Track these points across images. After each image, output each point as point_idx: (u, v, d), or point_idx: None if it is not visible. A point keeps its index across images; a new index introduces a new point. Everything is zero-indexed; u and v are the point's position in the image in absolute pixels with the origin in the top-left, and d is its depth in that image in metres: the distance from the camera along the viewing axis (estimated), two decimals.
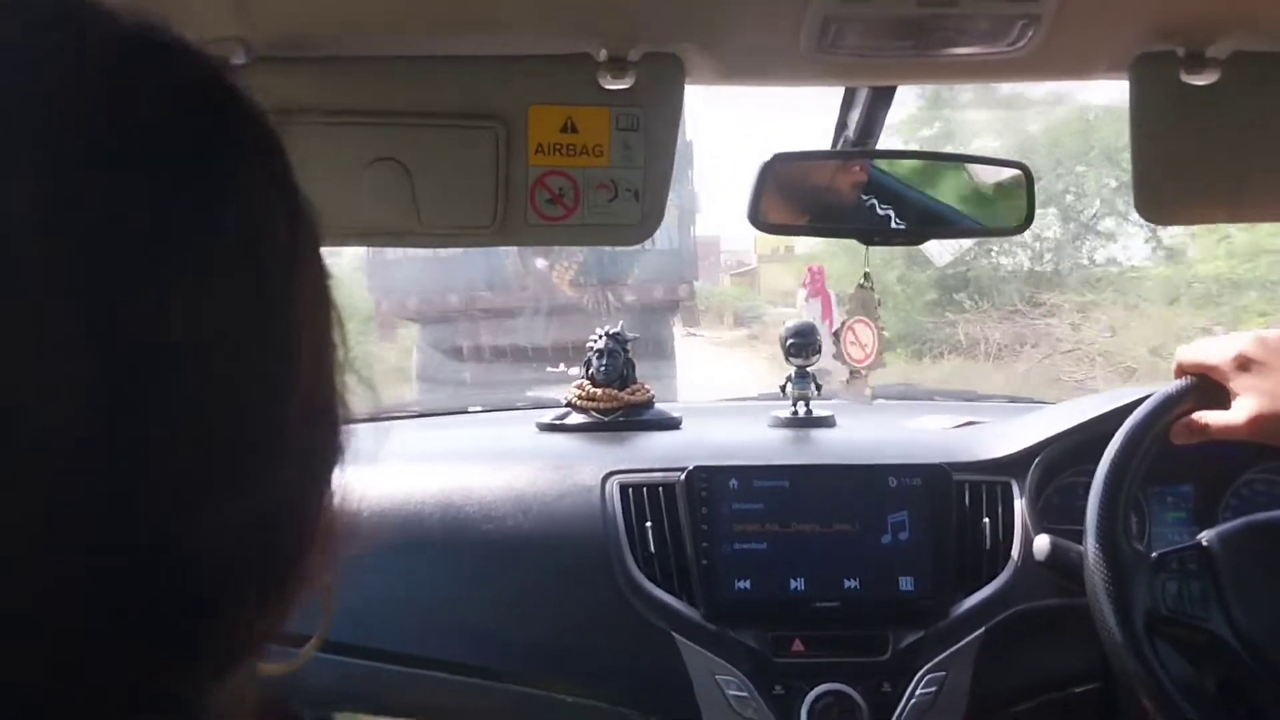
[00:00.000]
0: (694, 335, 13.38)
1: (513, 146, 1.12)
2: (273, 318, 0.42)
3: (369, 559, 1.50)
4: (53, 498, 0.36)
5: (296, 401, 0.43)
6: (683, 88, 1.15)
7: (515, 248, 10.69)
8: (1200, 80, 1.16)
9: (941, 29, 1.07)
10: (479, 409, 2.17)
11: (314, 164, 1.11)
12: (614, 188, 1.16)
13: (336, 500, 0.49)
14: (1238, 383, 1.18)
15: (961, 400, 2.30)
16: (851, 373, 1.86)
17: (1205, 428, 1.22)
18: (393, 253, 10.52)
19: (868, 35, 1.08)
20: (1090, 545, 1.24)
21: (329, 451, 0.48)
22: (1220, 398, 1.22)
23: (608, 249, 10.92)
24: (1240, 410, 1.18)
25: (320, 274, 0.47)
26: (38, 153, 0.37)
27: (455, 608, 1.48)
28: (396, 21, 1.06)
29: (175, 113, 0.42)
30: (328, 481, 0.48)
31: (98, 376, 0.36)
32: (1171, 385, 1.28)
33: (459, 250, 10.58)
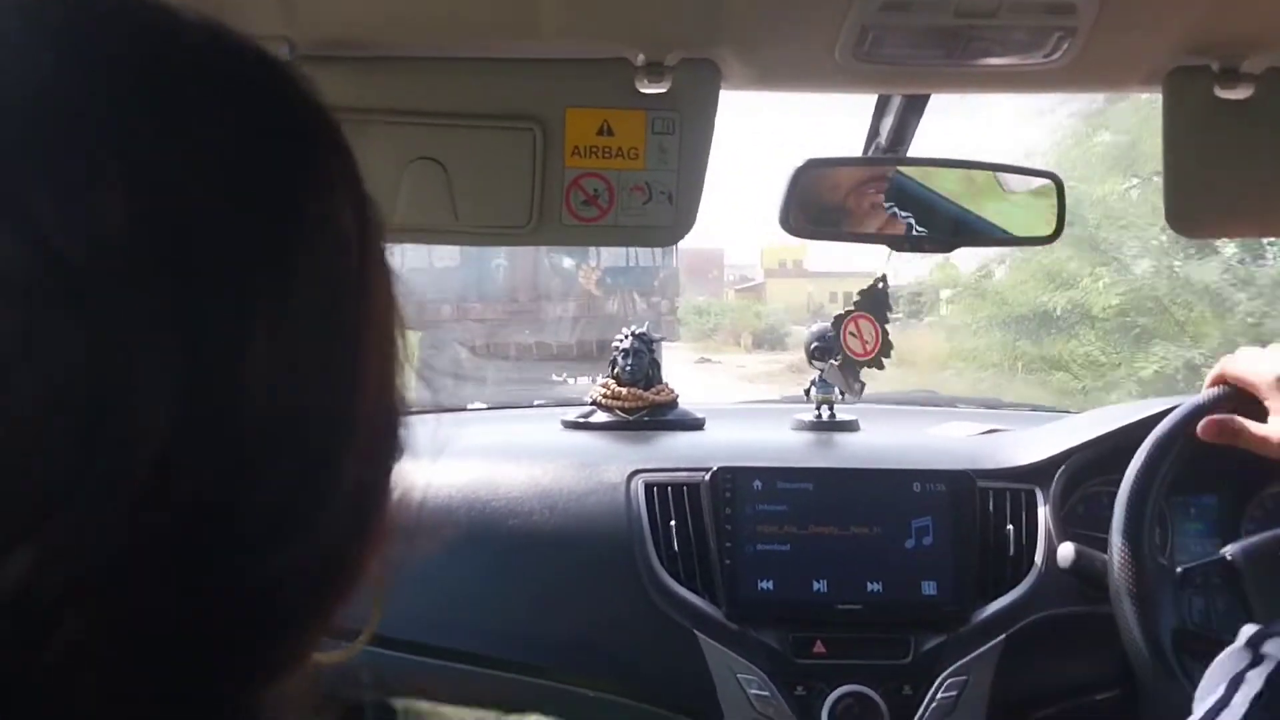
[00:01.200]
0: (709, 361, 13.13)
1: (549, 148, 1.14)
2: (345, 318, 0.42)
3: (394, 551, 1.52)
4: (136, 518, 0.35)
5: (368, 406, 0.43)
6: (718, 93, 1.16)
7: (513, 257, 11.00)
8: (1234, 95, 1.16)
9: (978, 39, 1.08)
10: (506, 406, 2.19)
11: (358, 162, 1.13)
12: (648, 190, 1.17)
13: (395, 499, 0.48)
14: (1276, 401, 1.17)
15: (985, 408, 2.31)
16: (845, 361, 1.86)
17: (1237, 432, 1.20)
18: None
19: (904, 44, 1.09)
20: (1115, 552, 1.25)
21: (392, 451, 0.47)
22: (1255, 411, 1.22)
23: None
24: (1275, 427, 1.16)
25: (386, 270, 0.47)
26: (121, 164, 0.37)
27: (481, 602, 1.50)
28: (437, 23, 1.08)
29: (251, 118, 0.42)
30: (389, 481, 0.48)
31: (186, 390, 0.36)
32: (1205, 393, 1.28)
33: (456, 262, 10.92)
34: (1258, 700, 0.94)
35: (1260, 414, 1.20)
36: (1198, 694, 1.01)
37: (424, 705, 0.55)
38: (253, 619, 0.40)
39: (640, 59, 1.12)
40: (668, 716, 1.45)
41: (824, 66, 1.13)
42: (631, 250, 11.20)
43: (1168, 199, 1.22)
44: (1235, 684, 0.97)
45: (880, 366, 1.87)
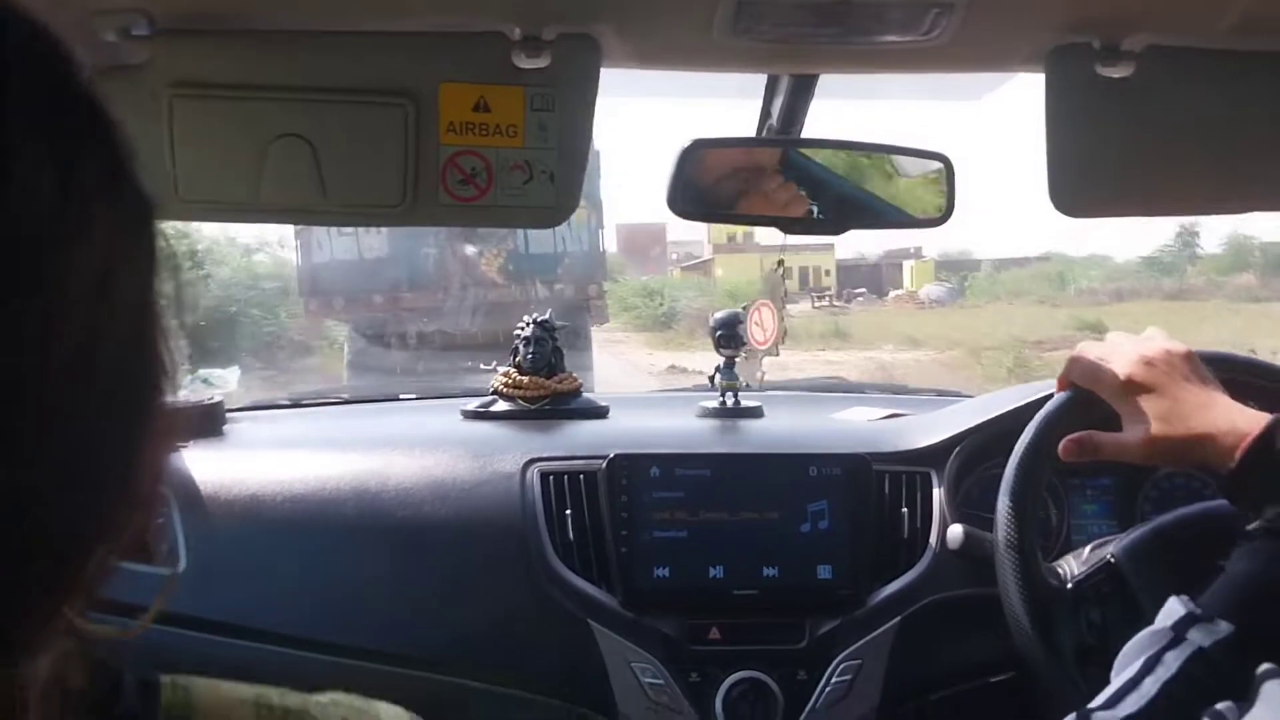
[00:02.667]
0: (681, 371, 12.84)
1: (423, 125, 1.10)
2: (39, 285, 0.41)
3: (281, 543, 1.48)
4: None
5: (85, 367, 0.43)
6: (599, 69, 1.14)
7: (443, 245, 11.04)
8: (1115, 73, 1.17)
9: (856, 16, 1.07)
10: (407, 396, 2.15)
11: (217, 138, 1.09)
12: (529, 169, 1.15)
13: (152, 475, 0.48)
14: (1127, 406, 1.14)
15: (890, 393, 2.32)
16: (747, 353, 1.86)
17: (1097, 447, 1.17)
18: (319, 254, 10.90)
19: (783, 21, 1.08)
20: (1007, 571, 1.26)
21: (136, 421, 0.47)
22: (1108, 413, 1.18)
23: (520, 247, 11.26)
24: (1132, 434, 1.13)
25: (140, 248, 0.47)
26: None
27: (369, 594, 1.46)
28: None
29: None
30: (136, 452, 0.47)
31: None
32: (1052, 403, 1.28)
33: (385, 251, 10.93)
34: (1168, 685, 0.94)
35: (1114, 417, 1.17)
36: (1115, 665, 1.01)
37: (199, 681, 0.53)
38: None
39: (517, 33, 1.09)
40: (562, 708, 1.43)
41: (703, 44, 1.11)
42: (557, 234, 11.28)
43: (1050, 178, 1.22)
44: (1150, 665, 0.96)
45: (776, 354, 1.86)
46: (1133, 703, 0.94)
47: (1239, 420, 1.07)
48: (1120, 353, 1.17)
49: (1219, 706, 0.86)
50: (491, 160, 1.13)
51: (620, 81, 1.23)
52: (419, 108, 1.10)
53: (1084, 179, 1.23)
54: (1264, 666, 0.86)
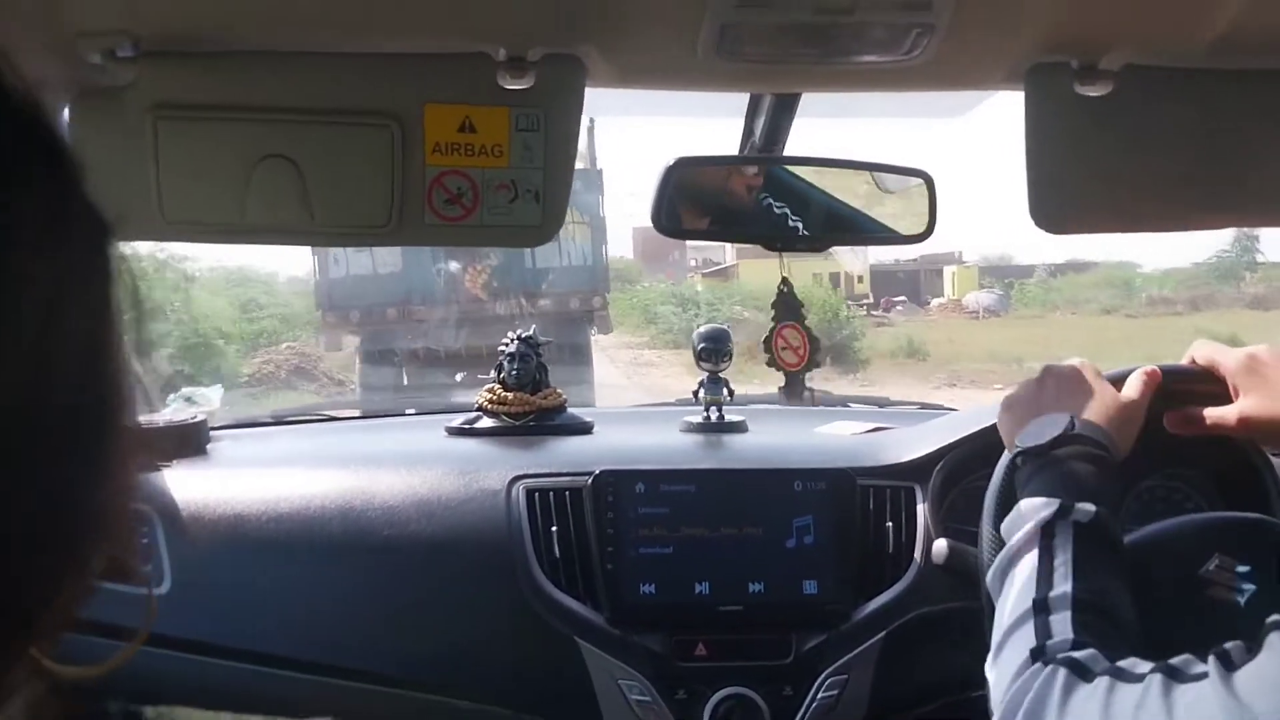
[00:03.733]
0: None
1: (409, 145, 1.11)
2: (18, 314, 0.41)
3: (266, 563, 1.47)
4: None
5: (61, 391, 0.42)
6: (583, 89, 1.14)
7: (454, 261, 11.27)
8: (1094, 91, 1.18)
9: (838, 37, 1.08)
10: (391, 413, 2.15)
11: (202, 159, 1.09)
12: (514, 188, 1.15)
13: (121, 500, 0.47)
14: (1246, 380, 1.19)
15: (875, 406, 2.33)
16: (788, 378, 1.86)
17: (1200, 419, 1.23)
18: (335, 269, 11.20)
19: (766, 42, 1.09)
20: (984, 544, 1.26)
21: (96, 449, 0.46)
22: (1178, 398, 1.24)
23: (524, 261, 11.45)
24: (1240, 406, 1.19)
25: (92, 274, 0.46)
26: None
27: (355, 613, 1.46)
28: (290, 17, 1.04)
29: None
30: (100, 480, 0.46)
31: None
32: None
33: (399, 267, 11.16)
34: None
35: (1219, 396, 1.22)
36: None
37: (182, 711, 0.53)
38: None
39: (502, 54, 1.10)
40: None
41: (687, 64, 1.12)
42: (561, 248, 11.51)
43: (1031, 196, 1.23)
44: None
45: (817, 365, 1.87)
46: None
47: None
48: (1246, 346, 1.24)
49: (1227, 646, 0.87)
50: (477, 180, 1.14)
51: (606, 101, 1.24)
52: (404, 128, 1.10)
53: (1064, 196, 1.24)
54: (1273, 616, 0.87)
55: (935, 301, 31.40)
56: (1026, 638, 0.96)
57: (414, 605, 1.46)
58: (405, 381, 11.31)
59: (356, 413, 2.15)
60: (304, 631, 1.45)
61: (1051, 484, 1.08)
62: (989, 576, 1.08)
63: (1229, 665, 0.84)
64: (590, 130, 11.88)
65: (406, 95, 1.11)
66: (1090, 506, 1.04)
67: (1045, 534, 1.03)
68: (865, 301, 28.92)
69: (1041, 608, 0.97)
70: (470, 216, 1.15)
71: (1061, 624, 0.95)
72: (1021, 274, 33.31)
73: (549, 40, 1.10)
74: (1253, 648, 0.85)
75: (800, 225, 1.41)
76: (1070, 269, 32.29)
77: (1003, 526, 1.09)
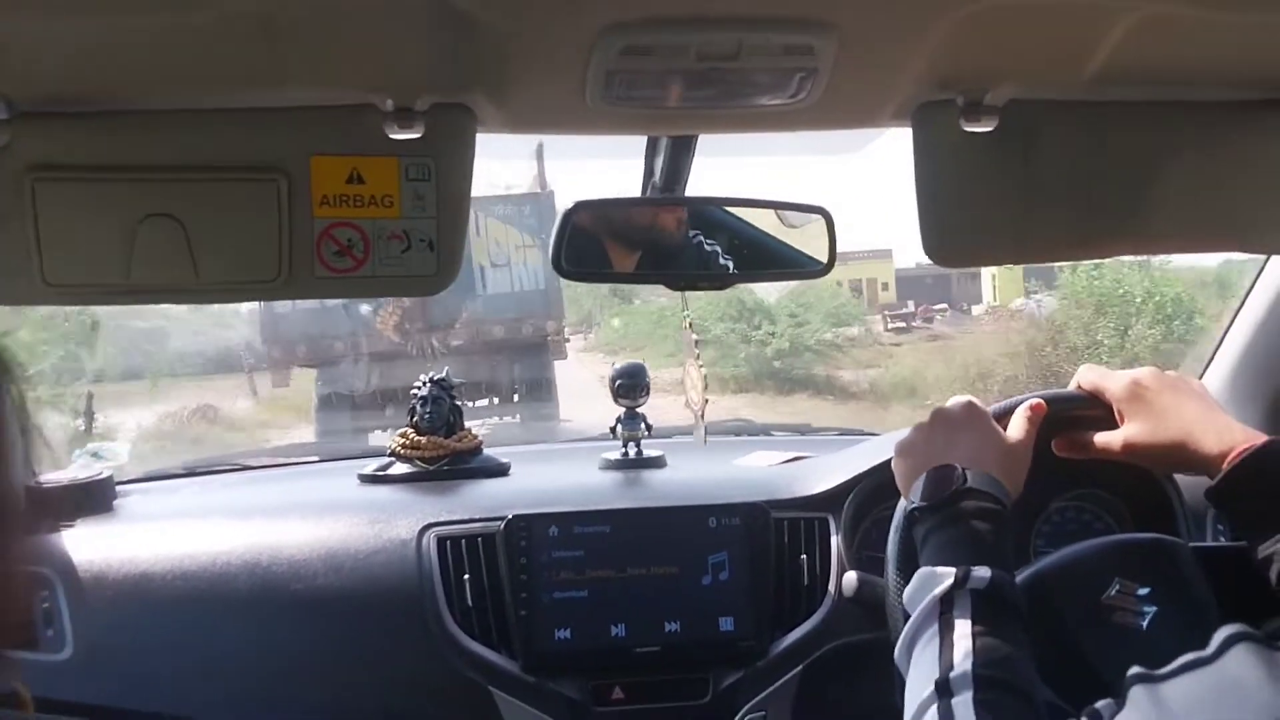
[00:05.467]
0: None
1: (296, 198, 1.09)
2: None
3: (172, 622, 1.44)
4: None
5: None
6: (474, 137, 1.14)
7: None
8: (979, 128, 1.20)
9: (723, 81, 1.08)
10: (305, 460, 2.12)
11: (83, 221, 1.07)
12: (407, 238, 1.14)
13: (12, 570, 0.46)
14: (1130, 405, 1.21)
15: (795, 434, 2.34)
16: (696, 415, 1.87)
17: (1085, 445, 1.25)
18: (281, 304, 10.99)
19: (653, 86, 1.09)
20: (890, 584, 1.27)
21: None
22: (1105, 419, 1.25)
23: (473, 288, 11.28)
24: (1125, 432, 1.21)
25: None
26: None
27: (264, 671, 1.43)
28: (169, 74, 1.02)
29: None
30: None
31: None
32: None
33: (341, 301, 10.93)
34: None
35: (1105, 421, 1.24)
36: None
37: None
38: None
39: (389, 104, 1.08)
40: None
41: (576, 110, 1.12)
42: (514, 273, 11.28)
43: (923, 231, 1.24)
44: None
45: (707, 400, 1.88)
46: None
47: (1237, 435, 1.13)
48: (1130, 370, 1.25)
49: (1098, 705, 0.88)
50: (368, 231, 1.12)
51: (498, 145, 1.23)
52: (291, 182, 1.09)
53: (955, 230, 1.26)
54: (1134, 670, 0.88)
55: (975, 309, 28.09)
56: None
57: (324, 660, 1.43)
58: (363, 419, 10.94)
59: (269, 461, 2.11)
60: (212, 692, 1.42)
61: (948, 548, 1.09)
62: (896, 652, 1.09)
63: None
64: (539, 154, 11.74)
65: (292, 148, 1.09)
66: (986, 572, 1.04)
67: (944, 606, 1.04)
68: (903, 311, 25.85)
69: (944, 690, 0.97)
70: (362, 268, 1.13)
71: (964, 708, 0.95)
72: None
73: (437, 90, 1.09)
74: (1122, 704, 0.86)
75: (728, 258, 1.42)
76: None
77: (905, 596, 1.10)
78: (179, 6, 0.90)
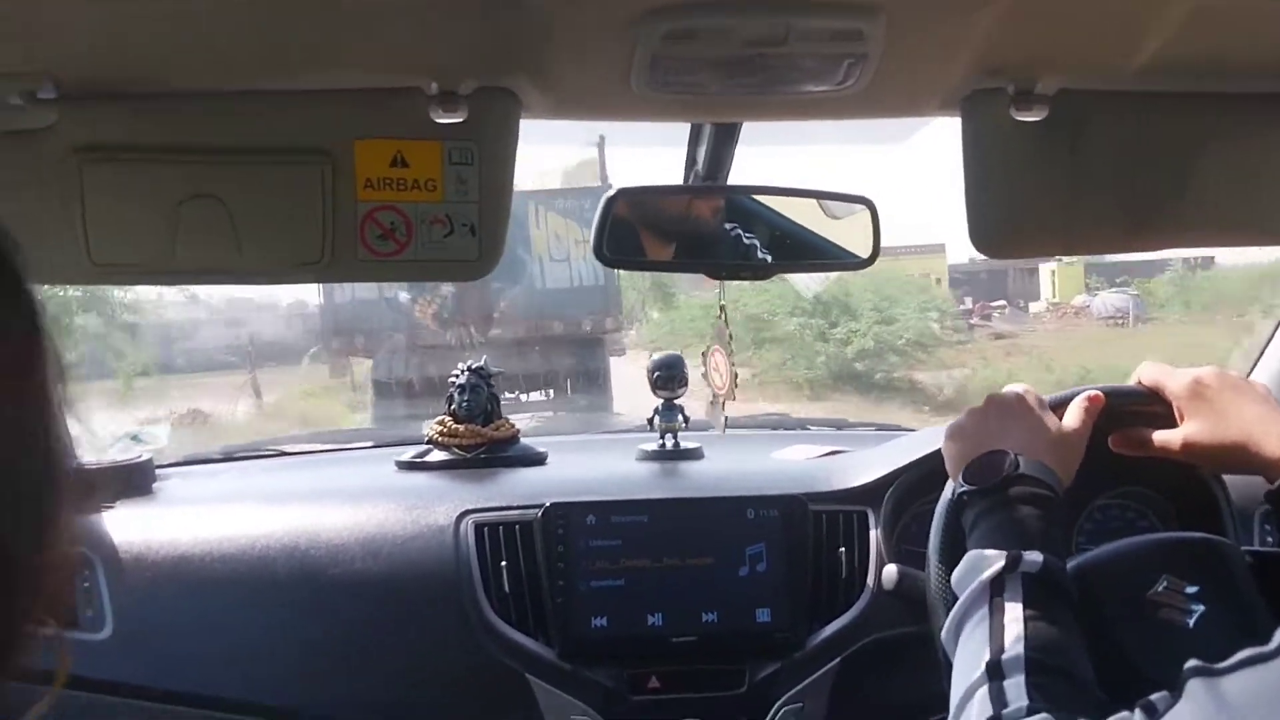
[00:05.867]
0: None
1: (340, 181, 1.09)
2: None
3: (210, 604, 1.45)
4: None
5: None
6: (518, 121, 1.14)
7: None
8: (1029, 117, 1.19)
9: (770, 68, 1.07)
10: (343, 446, 2.13)
11: (129, 201, 1.08)
12: (449, 223, 1.14)
13: (58, 547, 0.47)
14: (1190, 404, 1.19)
15: (832, 429, 2.33)
16: (712, 399, 1.86)
17: (1144, 443, 1.23)
18: (341, 295, 10.98)
19: (697, 73, 1.08)
20: (932, 572, 1.25)
21: (36, 507, 0.46)
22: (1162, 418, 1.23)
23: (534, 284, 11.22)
24: (1184, 430, 1.19)
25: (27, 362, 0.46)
26: None
27: (301, 654, 1.44)
28: (216, 56, 1.03)
29: None
30: (35, 532, 0.46)
31: None
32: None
33: (405, 290, 10.92)
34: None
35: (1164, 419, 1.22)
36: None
37: None
38: None
39: (433, 88, 1.09)
40: None
41: (620, 95, 1.11)
42: (573, 268, 11.22)
43: (970, 221, 1.23)
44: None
45: (732, 398, 1.87)
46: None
47: None
48: (1192, 368, 1.23)
49: (1152, 698, 0.86)
50: (410, 215, 1.13)
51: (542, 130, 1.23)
52: (335, 165, 1.09)
53: (1003, 220, 1.24)
54: (1191, 663, 0.86)
55: (1034, 305, 26.48)
56: (983, 705, 0.95)
57: (361, 644, 1.44)
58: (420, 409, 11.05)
59: (308, 447, 2.13)
60: (249, 673, 1.43)
61: (998, 532, 1.07)
62: (943, 633, 1.07)
63: (1152, 715, 0.84)
64: (600, 146, 11.57)
65: (337, 131, 1.09)
66: (1038, 556, 1.03)
67: (995, 589, 1.02)
68: (960, 309, 22.35)
69: (995, 672, 0.96)
70: (404, 251, 1.13)
71: (1016, 690, 0.94)
72: (1141, 271, 24.46)
73: (481, 74, 1.09)
74: (1178, 697, 0.85)
75: (766, 252, 1.41)
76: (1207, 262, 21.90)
77: (953, 579, 1.08)
78: None
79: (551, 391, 10.99)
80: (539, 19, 0.97)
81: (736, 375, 1.85)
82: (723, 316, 1.82)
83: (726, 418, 1.89)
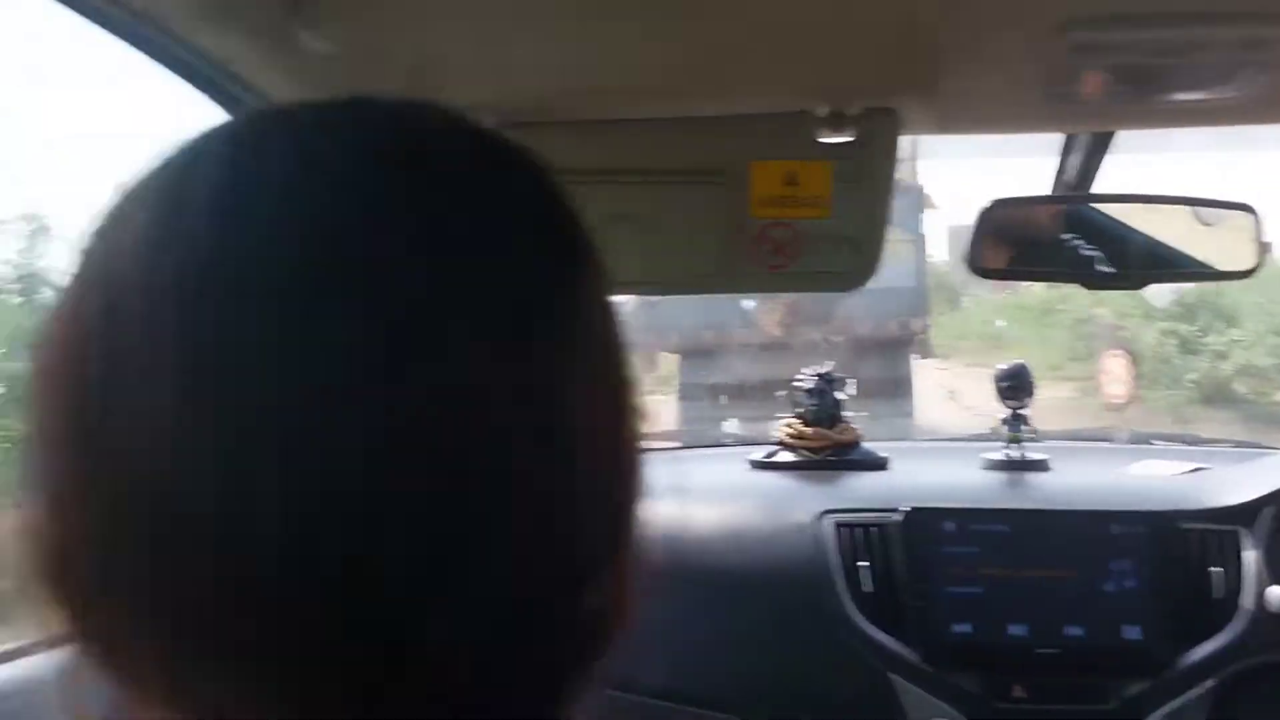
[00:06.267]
0: None
1: (735, 200, 1.18)
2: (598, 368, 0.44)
3: None
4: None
5: (607, 455, 0.45)
6: (898, 139, 1.18)
7: None
8: None
9: (1168, 75, 1.07)
10: (689, 445, 2.23)
11: None
12: (834, 237, 1.20)
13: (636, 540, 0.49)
14: None
15: (1183, 444, 2.22)
16: (1107, 407, 1.83)
17: None
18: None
19: (1091, 83, 1.09)
20: None
21: (630, 496, 0.48)
22: None
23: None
24: None
25: (609, 322, 0.47)
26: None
27: (667, 637, 1.52)
28: (634, 88, 1.14)
29: (478, 188, 0.43)
30: (628, 527, 0.48)
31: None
32: None
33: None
34: None
35: None
36: None
37: None
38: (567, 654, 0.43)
39: (824, 111, 1.15)
40: None
41: (1008, 109, 1.14)
42: (884, 271, 10.99)
43: None
44: None
45: (1139, 399, 1.83)
46: None
47: None
48: None
49: None
50: (799, 230, 1.20)
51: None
52: (732, 184, 1.18)
53: None
54: None
55: None
56: None
57: (730, 633, 1.51)
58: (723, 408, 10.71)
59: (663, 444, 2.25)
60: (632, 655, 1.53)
61: None
62: None
63: None
64: (912, 147, 11.22)
65: (733, 153, 1.18)
66: None
67: None
68: None
69: None
70: (791, 265, 1.20)
71: None
72: None
73: (868, 94, 1.14)
74: None
75: (1108, 264, 1.39)
76: None
77: None
78: (648, 33, 1.00)
79: (854, 393, 10.61)
80: (937, 40, 1.01)
81: (1136, 381, 1.80)
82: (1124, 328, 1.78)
83: (1130, 430, 1.84)
